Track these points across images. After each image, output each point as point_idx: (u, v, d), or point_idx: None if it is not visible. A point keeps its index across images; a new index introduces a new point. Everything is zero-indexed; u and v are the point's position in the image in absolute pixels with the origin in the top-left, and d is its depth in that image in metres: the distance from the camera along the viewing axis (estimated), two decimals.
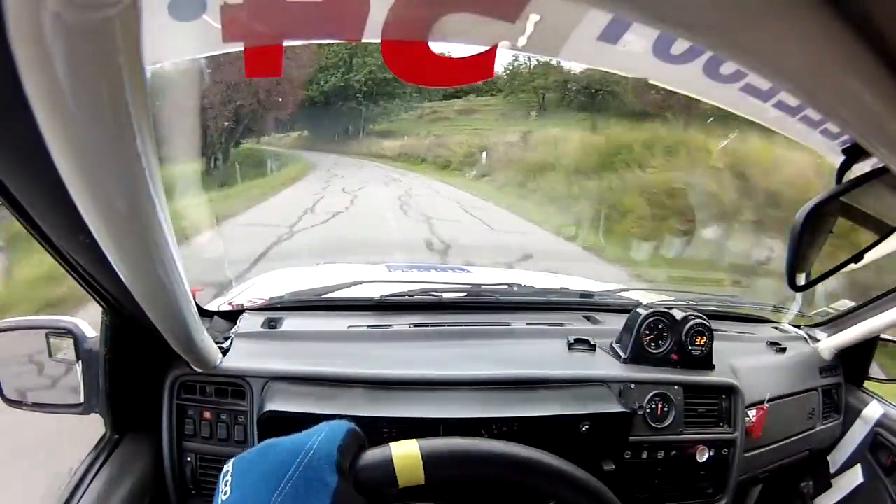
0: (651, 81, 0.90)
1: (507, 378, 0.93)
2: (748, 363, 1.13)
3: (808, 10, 0.19)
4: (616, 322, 1.10)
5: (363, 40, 0.71)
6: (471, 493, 0.85)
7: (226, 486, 0.45)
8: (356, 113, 18.82)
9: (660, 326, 1.03)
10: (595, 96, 14.95)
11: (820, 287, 1.28)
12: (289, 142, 18.73)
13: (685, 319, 1.02)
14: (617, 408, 0.90)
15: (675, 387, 1.00)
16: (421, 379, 0.90)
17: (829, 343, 1.28)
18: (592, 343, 1.04)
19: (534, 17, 0.70)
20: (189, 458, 0.88)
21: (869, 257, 0.70)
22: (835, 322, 1.31)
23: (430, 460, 0.54)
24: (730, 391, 1.04)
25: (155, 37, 0.65)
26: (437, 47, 0.71)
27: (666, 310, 1.04)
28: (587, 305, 1.24)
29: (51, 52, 0.24)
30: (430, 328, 1.06)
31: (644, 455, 0.97)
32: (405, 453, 0.54)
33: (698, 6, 0.20)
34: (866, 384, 1.35)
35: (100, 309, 0.79)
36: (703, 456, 1.00)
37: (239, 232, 6.48)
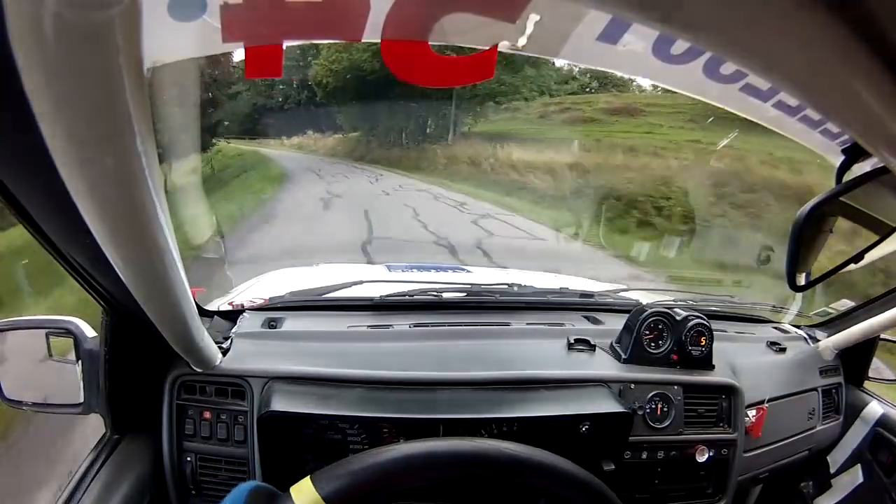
0: (651, 81, 0.90)
1: (507, 378, 0.92)
2: (748, 363, 1.13)
3: (807, 10, 0.19)
4: (616, 322, 1.10)
5: (363, 40, 0.71)
6: (470, 494, 0.86)
7: None
8: (440, 99, 10.54)
9: (660, 326, 1.03)
10: None
11: (819, 287, 1.28)
12: (326, 146, 13.26)
13: (685, 319, 1.02)
14: (617, 408, 0.90)
15: (675, 387, 1.00)
16: (421, 379, 0.90)
17: (829, 343, 1.28)
18: (592, 343, 1.04)
19: (534, 17, 0.70)
20: (189, 458, 0.88)
21: (869, 257, 0.70)
22: (835, 322, 1.31)
23: (325, 489, 0.55)
24: (730, 391, 1.04)
25: (155, 37, 0.65)
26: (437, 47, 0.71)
27: (666, 310, 1.04)
28: (587, 305, 1.24)
29: (51, 52, 0.24)
30: (429, 328, 1.06)
31: (644, 455, 0.97)
32: (302, 490, 0.55)
33: (698, 6, 0.20)
34: (866, 384, 1.35)
35: None
36: (702, 456, 1.00)
37: None
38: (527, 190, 7.85)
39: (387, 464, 0.58)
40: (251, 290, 1.31)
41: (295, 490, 0.55)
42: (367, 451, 0.61)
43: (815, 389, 1.23)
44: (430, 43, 0.70)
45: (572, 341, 1.04)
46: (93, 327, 0.87)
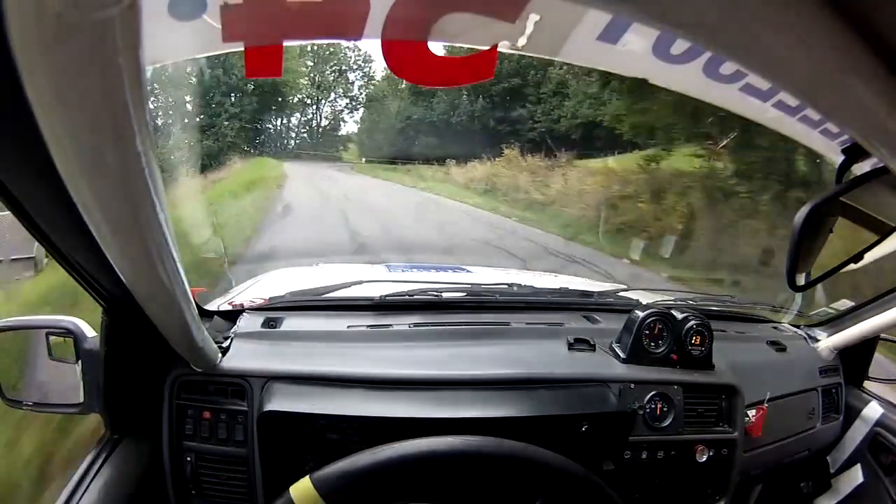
0: (651, 81, 0.90)
1: (507, 378, 0.92)
2: (748, 363, 1.13)
3: (808, 10, 0.19)
4: (616, 322, 1.10)
5: (363, 40, 0.71)
6: (470, 493, 0.86)
7: None
8: None
9: (659, 326, 1.03)
10: None
11: (820, 287, 1.28)
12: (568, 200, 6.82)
13: (685, 319, 1.02)
14: (617, 408, 0.90)
15: (675, 387, 0.99)
16: (421, 379, 0.90)
17: (829, 343, 1.28)
18: (592, 343, 1.04)
19: (534, 17, 0.70)
20: (188, 458, 0.88)
21: (869, 257, 0.70)
22: (835, 322, 1.31)
23: (324, 487, 0.55)
24: (729, 391, 1.04)
25: (155, 37, 0.65)
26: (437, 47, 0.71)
27: (666, 310, 1.04)
28: (587, 305, 1.24)
29: (51, 53, 0.24)
30: (429, 328, 1.06)
31: (644, 455, 0.97)
32: (301, 489, 0.55)
33: (698, 6, 0.20)
34: (866, 384, 1.35)
35: None
36: (702, 456, 1.00)
37: None
38: None
39: (384, 462, 0.59)
40: (251, 290, 1.31)
41: (294, 489, 0.55)
42: (365, 450, 0.61)
43: (814, 389, 1.23)
44: (429, 43, 0.70)
45: (572, 341, 1.04)
46: (93, 327, 0.87)
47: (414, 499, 0.73)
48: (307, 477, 0.58)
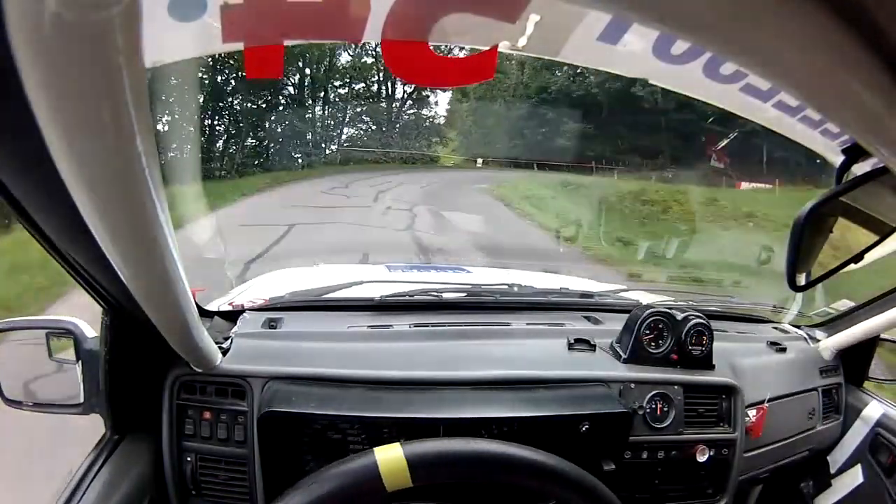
0: (651, 81, 0.90)
1: (507, 378, 0.92)
2: (748, 363, 1.13)
3: (807, 10, 0.19)
4: (616, 322, 1.10)
5: (363, 40, 0.71)
6: (470, 494, 0.85)
7: None
8: None
9: (660, 326, 1.03)
10: None
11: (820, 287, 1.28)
12: None
13: (685, 319, 1.02)
14: (617, 408, 0.90)
15: (675, 387, 1.00)
16: (421, 379, 0.90)
17: (829, 343, 1.28)
18: (592, 343, 1.04)
19: (534, 18, 0.70)
20: (189, 458, 0.88)
21: (869, 257, 0.70)
22: (835, 322, 1.31)
23: (411, 451, 0.55)
24: (730, 391, 1.04)
25: (155, 37, 0.65)
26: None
27: (666, 310, 1.04)
28: (587, 305, 1.24)
29: (51, 53, 0.24)
30: (430, 328, 1.06)
31: (644, 455, 0.97)
32: (387, 448, 0.54)
33: (698, 6, 0.20)
34: (866, 384, 1.35)
35: None
36: (703, 456, 1.00)
37: None
38: None
39: (476, 454, 0.59)
40: (251, 291, 1.31)
41: (380, 451, 0.57)
42: (462, 437, 0.63)
43: (815, 389, 1.23)
44: (429, 43, 0.70)
45: (572, 341, 1.04)
46: (93, 327, 0.87)
47: (416, 500, 0.73)
48: (397, 443, 0.58)
